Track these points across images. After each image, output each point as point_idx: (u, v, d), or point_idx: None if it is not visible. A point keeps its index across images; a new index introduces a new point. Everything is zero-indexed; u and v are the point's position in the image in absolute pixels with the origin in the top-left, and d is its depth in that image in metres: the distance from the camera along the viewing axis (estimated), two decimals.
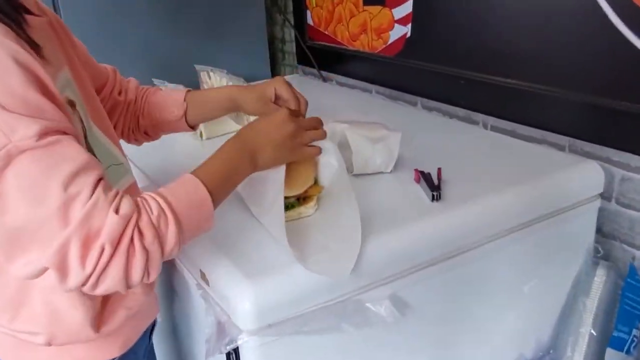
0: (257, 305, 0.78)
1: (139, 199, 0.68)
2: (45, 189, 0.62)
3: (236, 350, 0.83)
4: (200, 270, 0.88)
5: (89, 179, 0.64)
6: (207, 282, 0.87)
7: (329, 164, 0.95)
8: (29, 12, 0.72)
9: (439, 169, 1.05)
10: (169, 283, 1.08)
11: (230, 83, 1.44)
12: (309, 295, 0.82)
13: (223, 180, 0.77)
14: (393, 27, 1.58)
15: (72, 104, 0.77)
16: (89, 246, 0.62)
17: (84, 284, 0.64)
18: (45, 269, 0.65)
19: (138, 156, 1.17)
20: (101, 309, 0.82)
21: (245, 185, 0.86)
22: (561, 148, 1.22)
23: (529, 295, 1.10)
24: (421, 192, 1.03)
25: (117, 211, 0.64)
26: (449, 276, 0.97)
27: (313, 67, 1.96)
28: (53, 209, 0.61)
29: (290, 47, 2.12)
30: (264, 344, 0.80)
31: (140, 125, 1.06)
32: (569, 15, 1.14)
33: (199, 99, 1.04)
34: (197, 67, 1.59)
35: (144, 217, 0.66)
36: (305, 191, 0.95)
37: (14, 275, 0.67)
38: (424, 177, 1.03)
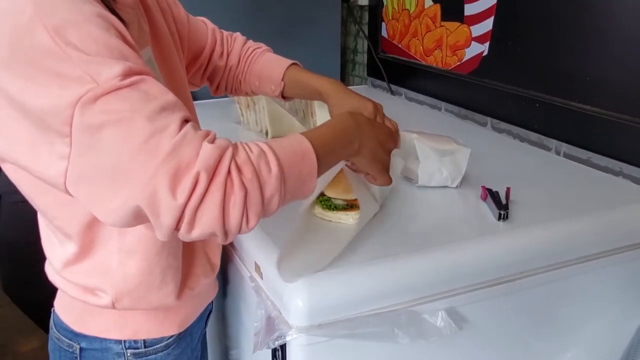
0: (310, 304, 0.77)
1: (237, 142, 0.64)
2: (132, 125, 0.58)
3: (283, 347, 0.81)
4: (255, 262, 0.88)
5: (176, 115, 0.61)
6: (260, 276, 0.86)
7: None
8: None
9: (508, 189, 1.02)
10: (222, 272, 1.08)
11: None
12: (363, 300, 0.80)
13: (329, 146, 0.72)
14: (470, 44, 1.55)
15: None
16: (181, 177, 0.58)
17: (179, 220, 0.59)
18: (138, 212, 0.60)
19: None
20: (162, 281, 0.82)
21: None
22: (639, 182, 1.17)
23: (589, 334, 1.04)
24: (487, 210, 0.99)
25: (211, 142, 0.60)
26: (507, 300, 0.93)
27: (383, 79, 1.95)
28: (139, 142, 0.58)
29: (362, 58, 2.11)
30: (312, 343, 0.79)
31: (241, 89, 1.07)
32: None
33: (297, 82, 1.01)
34: None
35: (242, 154, 0.61)
36: (355, 199, 0.92)
37: (110, 222, 0.63)
38: (491, 195, 1.00)
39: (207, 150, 0.59)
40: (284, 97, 1.05)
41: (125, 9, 0.73)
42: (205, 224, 0.59)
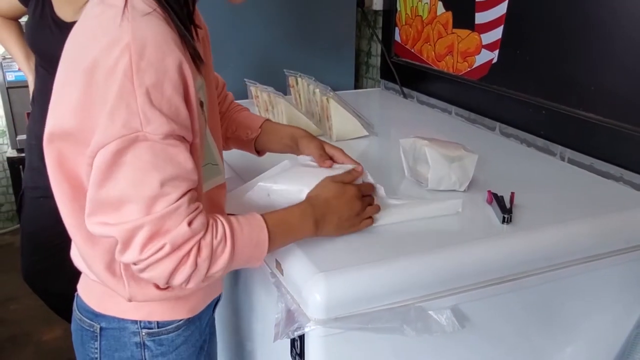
0: (327, 298, 0.84)
1: (211, 219, 0.78)
2: (148, 178, 0.72)
3: (301, 338, 0.89)
4: (276, 260, 0.95)
5: (182, 185, 0.75)
6: (281, 272, 0.94)
7: None
8: (197, 26, 0.84)
9: (512, 193, 1.08)
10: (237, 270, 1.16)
11: (317, 90, 1.52)
12: (376, 296, 0.87)
13: (285, 232, 0.88)
14: (480, 51, 1.61)
15: (201, 104, 0.87)
16: (154, 239, 0.73)
17: (135, 264, 0.75)
18: (111, 236, 0.74)
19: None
20: None
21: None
22: (639, 188, 1.22)
23: (589, 331, 1.10)
24: (492, 214, 1.06)
25: (190, 223, 0.74)
26: (511, 298, 0.99)
27: (395, 82, 2.01)
28: (145, 196, 0.72)
29: (375, 61, 2.17)
30: (328, 334, 0.86)
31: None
32: None
33: (271, 129, 1.15)
34: (287, 72, 1.68)
35: (208, 237, 0.76)
36: None
37: (88, 228, 0.77)
38: (496, 199, 1.06)
39: (181, 231, 0.74)
40: (256, 149, 1.16)
41: (198, 45, 0.83)
42: (152, 277, 0.76)
